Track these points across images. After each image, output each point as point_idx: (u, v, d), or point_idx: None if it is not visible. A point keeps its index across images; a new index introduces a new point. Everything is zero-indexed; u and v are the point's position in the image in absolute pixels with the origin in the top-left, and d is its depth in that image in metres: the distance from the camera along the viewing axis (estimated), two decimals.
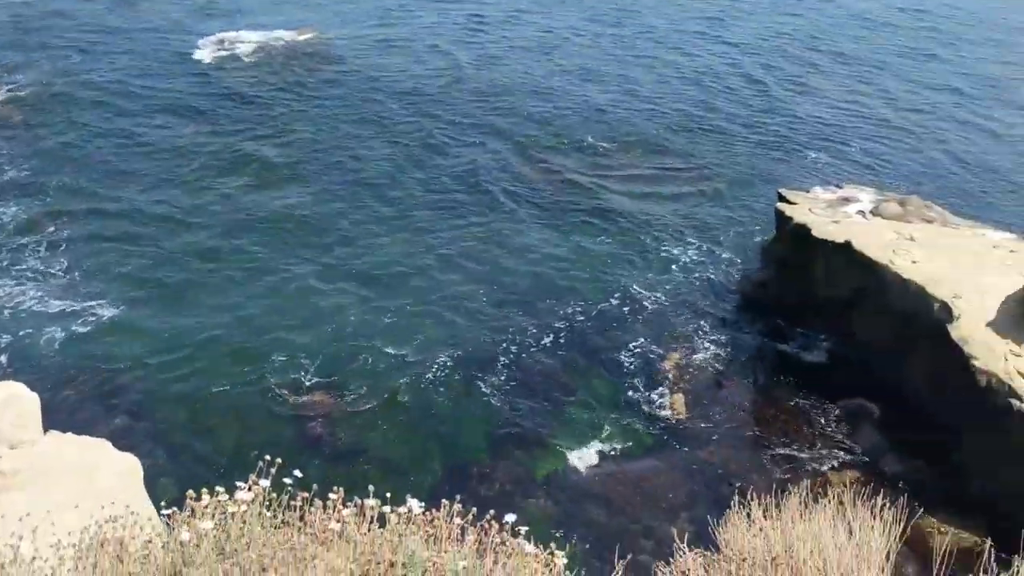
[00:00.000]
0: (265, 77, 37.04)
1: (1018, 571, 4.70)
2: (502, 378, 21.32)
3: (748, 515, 5.26)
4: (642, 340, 22.89)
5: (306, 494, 4.81)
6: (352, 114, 34.32)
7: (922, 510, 17.46)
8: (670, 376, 21.57)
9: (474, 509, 4.81)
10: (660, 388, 21.18)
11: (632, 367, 21.98)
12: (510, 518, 4.54)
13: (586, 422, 20.17)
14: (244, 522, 4.70)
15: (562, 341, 22.71)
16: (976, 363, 17.80)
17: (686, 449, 19.42)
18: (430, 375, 21.24)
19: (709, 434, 19.83)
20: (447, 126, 33.73)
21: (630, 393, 21.03)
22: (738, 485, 18.21)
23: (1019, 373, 17.46)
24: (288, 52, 39.71)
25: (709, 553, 5.23)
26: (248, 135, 32.14)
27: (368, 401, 20.32)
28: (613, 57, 41.62)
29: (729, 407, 20.72)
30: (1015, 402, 17.01)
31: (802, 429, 19.99)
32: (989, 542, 5.72)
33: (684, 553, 5.03)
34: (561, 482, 18.51)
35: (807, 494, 5.37)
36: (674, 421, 20.12)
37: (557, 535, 16.88)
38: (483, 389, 20.92)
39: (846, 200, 23.18)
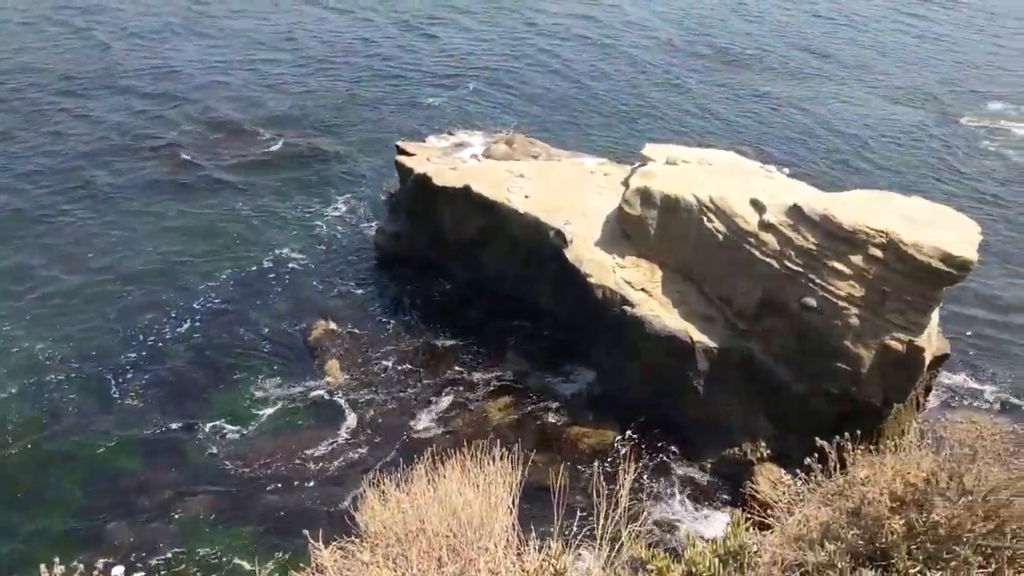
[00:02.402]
0: None
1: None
2: (140, 375, 19.82)
3: (383, 493, 5.29)
4: (290, 310, 22.44)
5: None
6: None
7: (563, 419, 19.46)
8: (321, 342, 21.36)
9: (80, 567, 4.29)
10: (312, 356, 20.92)
11: (282, 339, 21.46)
12: (118, 572, 4.11)
13: (240, 404, 19.40)
14: None
15: (205, 324, 21.58)
16: (591, 279, 19.64)
17: (347, 412, 19.40)
18: (52, 390, 19.13)
19: (368, 392, 19.99)
20: (42, 115, 30.20)
21: (283, 367, 20.53)
22: (404, 441, 18.71)
23: (626, 282, 19.56)
24: None
25: (350, 540, 5.19)
26: None
27: None
28: (230, 33, 39.61)
29: (382, 361, 20.99)
30: (627, 308, 19.06)
31: (453, 367, 20.84)
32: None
33: (320, 551, 4.95)
34: (222, 472, 17.66)
35: (432, 460, 5.52)
36: (332, 387, 20.00)
37: (218, 535, 16.22)
38: (116, 392, 19.32)
39: (460, 145, 24.19)
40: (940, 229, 16.06)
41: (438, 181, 22.27)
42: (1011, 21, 47.85)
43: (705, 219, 18.54)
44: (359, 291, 23.34)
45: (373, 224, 25.71)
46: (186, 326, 21.41)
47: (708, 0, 48.20)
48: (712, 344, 18.33)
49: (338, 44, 38.67)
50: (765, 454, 18.22)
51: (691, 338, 18.39)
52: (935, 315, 16.87)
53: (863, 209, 16.82)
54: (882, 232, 16.10)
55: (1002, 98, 37.14)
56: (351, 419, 19.19)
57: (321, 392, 19.82)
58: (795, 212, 17.30)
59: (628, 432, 18.97)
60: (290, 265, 23.95)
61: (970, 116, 35.00)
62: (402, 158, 23.88)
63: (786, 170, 21.10)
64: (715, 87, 36.53)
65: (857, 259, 16.34)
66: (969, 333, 22.63)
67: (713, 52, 40.61)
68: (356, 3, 44.18)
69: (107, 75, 34.08)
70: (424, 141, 25.19)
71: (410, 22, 41.87)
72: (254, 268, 23.69)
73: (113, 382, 19.50)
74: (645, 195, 19.50)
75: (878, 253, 16.19)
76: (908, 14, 48.18)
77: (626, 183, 20.25)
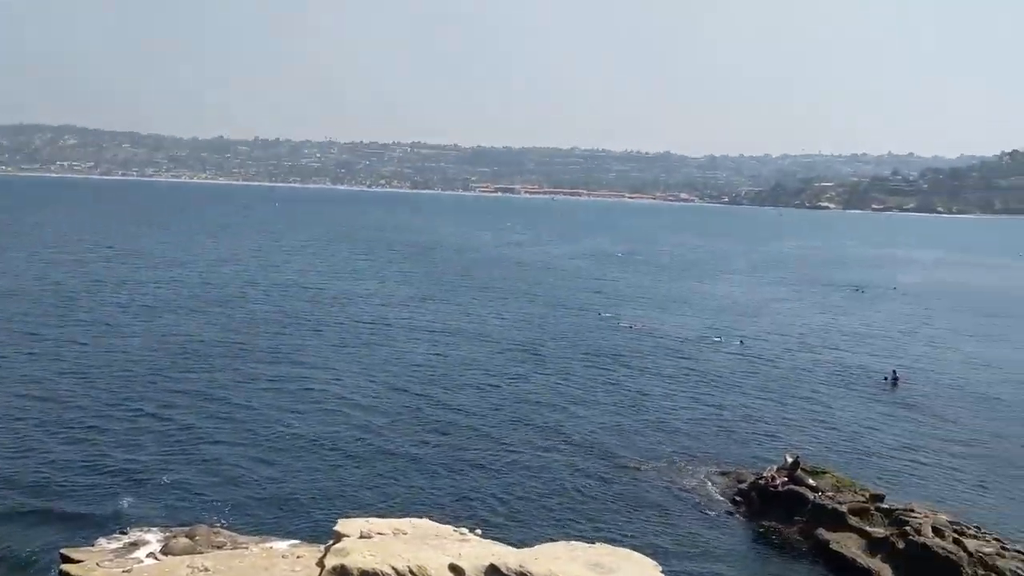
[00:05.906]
0: None
1: None
2: None
3: None
4: None
5: None
6: None
7: None
8: None
9: None
10: None
11: None
12: None
13: None
14: None
15: None
16: None
17: None
18: None
19: None
20: None
21: None
22: None
23: None
24: None
25: None
26: None
27: None
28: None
29: None
30: None
31: None
32: None
33: None
34: None
35: None
36: None
37: None
38: None
39: (134, 545, 22.09)
40: (624, 571, 16.94)
41: None
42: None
43: None
44: None
45: None
46: None
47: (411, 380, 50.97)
48: None
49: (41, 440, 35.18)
50: None
51: None
52: None
53: (554, 560, 17.39)
54: None
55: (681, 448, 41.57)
56: None
57: None
58: (493, 572, 17.45)
59: None
60: None
61: (646, 462, 38.45)
62: (67, 566, 21.27)
63: (479, 530, 21.48)
64: (407, 450, 37.39)
65: None
66: None
67: (404, 412, 42.17)
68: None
69: None
70: (93, 545, 22.69)
71: (90, 423, 39.57)
72: None
73: None
74: (342, 574, 18.72)
75: None
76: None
77: (321, 564, 19.42)
